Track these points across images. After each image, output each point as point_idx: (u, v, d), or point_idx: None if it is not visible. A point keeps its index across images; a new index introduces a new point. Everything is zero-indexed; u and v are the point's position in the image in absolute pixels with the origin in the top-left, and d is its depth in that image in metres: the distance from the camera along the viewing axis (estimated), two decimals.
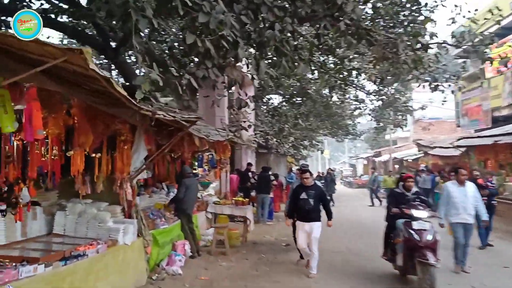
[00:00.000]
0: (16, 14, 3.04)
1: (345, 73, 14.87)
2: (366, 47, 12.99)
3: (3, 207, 4.49)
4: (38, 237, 5.62)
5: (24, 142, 4.67)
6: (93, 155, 5.81)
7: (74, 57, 3.05)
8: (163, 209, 8.57)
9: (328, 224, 7.52)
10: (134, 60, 15.36)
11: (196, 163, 10.98)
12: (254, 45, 7.06)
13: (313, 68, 15.26)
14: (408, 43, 9.12)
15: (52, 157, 5.29)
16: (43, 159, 5.16)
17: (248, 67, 7.30)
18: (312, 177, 7.52)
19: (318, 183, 8.71)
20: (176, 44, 6.35)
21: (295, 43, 7.90)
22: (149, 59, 5.55)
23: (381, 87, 24.56)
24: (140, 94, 4.59)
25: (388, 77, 14.13)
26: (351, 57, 13.46)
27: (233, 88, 16.19)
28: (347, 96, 22.35)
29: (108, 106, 5.17)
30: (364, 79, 20.54)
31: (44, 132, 4.70)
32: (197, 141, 11.03)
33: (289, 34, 7.03)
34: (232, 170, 17.24)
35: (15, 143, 4.63)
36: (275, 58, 7.65)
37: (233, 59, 6.59)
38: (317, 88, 23.47)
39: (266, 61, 7.05)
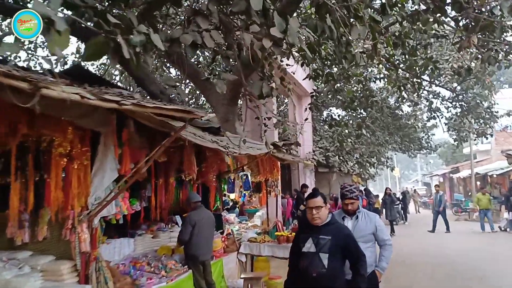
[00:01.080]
0: (16, 14, 2.33)
1: (418, 69, 11.86)
2: (448, 25, 10.01)
3: None
4: None
5: None
6: None
7: None
8: (169, 256, 6.05)
9: None
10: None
11: (226, 187, 8.41)
12: None
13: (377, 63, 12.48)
14: None
15: None
16: None
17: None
18: (327, 206, 3.81)
19: (363, 216, 4.34)
20: None
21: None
22: None
23: (458, 92, 21.03)
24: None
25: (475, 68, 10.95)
26: (425, 43, 10.43)
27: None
28: (419, 103, 19.13)
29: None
30: (438, 85, 17.24)
31: None
32: (228, 159, 8.56)
33: None
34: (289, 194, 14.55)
35: None
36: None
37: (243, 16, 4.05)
38: (384, 96, 20.40)
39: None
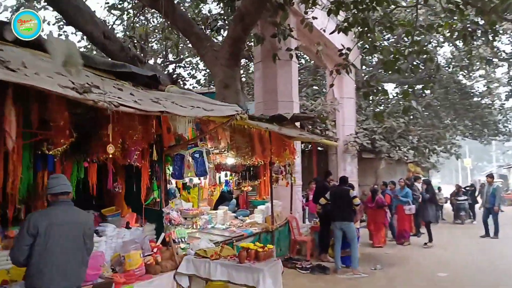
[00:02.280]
0: (16, 14, 2.08)
1: (495, 11, 8.21)
2: None
3: None
4: None
5: None
6: None
7: None
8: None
9: None
10: None
11: (171, 170, 5.49)
12: None
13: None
14: None
15: None
16: None
17: None
18: None
19: None
20: None
21: None
22: None
23: None
24: None
25: None
26: None
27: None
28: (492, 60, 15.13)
29: None
30: None
31: None
32: (186, 128, 5.64)
33: None
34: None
35: None
36: None
37: None
38: (452, 70, 16.51)
39: None
